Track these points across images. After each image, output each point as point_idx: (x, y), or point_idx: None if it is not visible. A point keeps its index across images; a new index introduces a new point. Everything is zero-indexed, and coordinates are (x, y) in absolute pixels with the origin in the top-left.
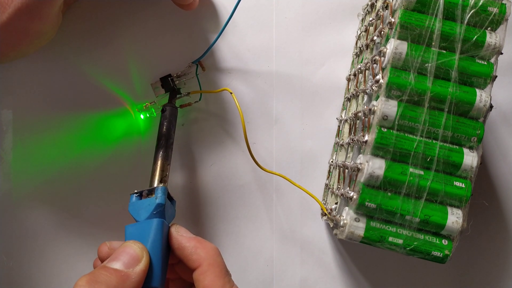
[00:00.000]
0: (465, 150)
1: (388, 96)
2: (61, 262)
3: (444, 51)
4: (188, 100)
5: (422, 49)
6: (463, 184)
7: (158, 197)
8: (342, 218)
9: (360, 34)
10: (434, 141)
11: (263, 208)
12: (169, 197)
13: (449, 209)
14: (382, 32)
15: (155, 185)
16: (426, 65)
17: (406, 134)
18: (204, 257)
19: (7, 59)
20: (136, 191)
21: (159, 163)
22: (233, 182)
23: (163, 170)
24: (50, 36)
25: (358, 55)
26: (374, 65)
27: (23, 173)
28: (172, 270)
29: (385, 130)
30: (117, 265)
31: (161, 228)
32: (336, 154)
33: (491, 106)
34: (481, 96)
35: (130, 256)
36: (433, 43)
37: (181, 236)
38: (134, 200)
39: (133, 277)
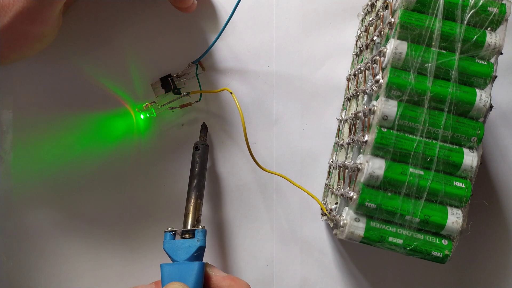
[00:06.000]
0: (465, 150)
1: (388, 96)
2: (61, 262)
3: (444, 51)
4: (188, 100)
5: (422, 49)
6: (463, 184)
7: (199, 240)
8: (342, 218)
9: (360, 34)
10: (434, 141)
11: (263, 208)
12: None
13: (449, 209)
14: (382, 32)
15: (189, 226)
16: (426, 65)
17: (406, 134)
18: None
19: (8, 61)
20: (170, 228)
21: (193, 202)
22: (233, 182)
23: (198, 209)
24: (50, 38)
25: (358, 55)
26: (374, 65)
27: (23, 173)
28: None
29: (385, 130)
30: None
31: (202, 271)
32: (336, 154)
33: (491, 106)
34: (481, 96)
35: None
36: (433, 43)
37: (216, 276)
38: (169, 239)
39: None
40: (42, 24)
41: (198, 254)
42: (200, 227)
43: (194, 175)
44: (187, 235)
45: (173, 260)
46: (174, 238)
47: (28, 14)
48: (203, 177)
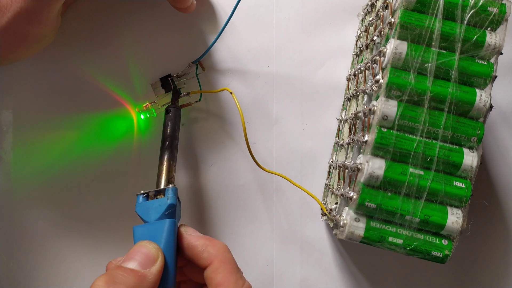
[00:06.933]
0: (465, 150)
1: (388, 96)
2: (61, 262)
3: (444, 51)
4: (188, 100)
5: (422, 49)
6: (463, 184)
7: (169, 198)
8: (342, 218)
9: (360, 34)
10: (434, 141)
11: (263, 208)
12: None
13: (449, 209)
14: (382, 32)
15: (162, 186)
16: (426, 65)
17: (406, 134)
18: (215, 254)
19: (6, 62)
20: (142, 191)
21: (165, 164)
22: (233, 182)
23: (170, 171)
24: (49, 39)
25: (358, 55)
26: (374, 65)
27: (23, 173)
28: (180, 272)
29: (385, 130)
30: (133, 265)
31: (173, 228)
32: (336, 154)
33: (491, 106)
34: (481, 96)
35: (146, 256)
36: (433, 43)
37: (191, 235)
38: (141, 201)
39: (150, 278)
40: (40, 25)
41: (169, 213)
42: (170, 186)
43: (165, 137)
44: (159, 196)
45: (145, 222)
46: (147, 201)
47: (26, 14)
48: (174, 138)
